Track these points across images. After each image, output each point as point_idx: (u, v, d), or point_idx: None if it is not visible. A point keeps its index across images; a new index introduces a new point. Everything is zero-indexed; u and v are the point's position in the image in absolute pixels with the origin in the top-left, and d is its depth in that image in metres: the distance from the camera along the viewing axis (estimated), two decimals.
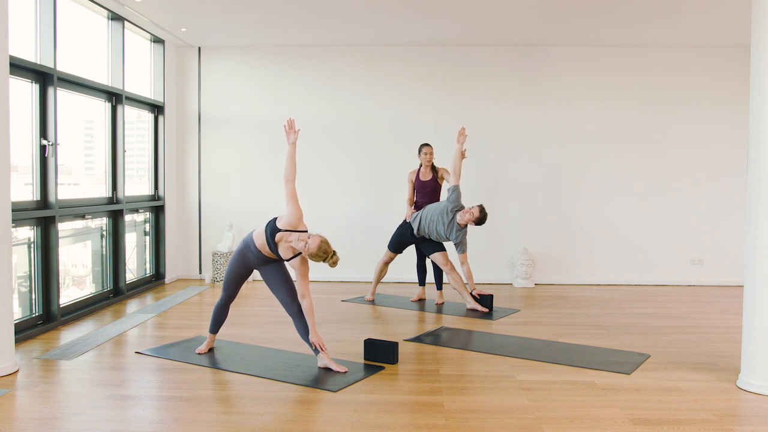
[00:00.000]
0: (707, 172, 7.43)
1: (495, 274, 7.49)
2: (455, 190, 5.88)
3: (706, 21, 6.23)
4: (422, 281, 6.53)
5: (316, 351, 4.11)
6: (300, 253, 4.03)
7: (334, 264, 3.97)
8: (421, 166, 6.34)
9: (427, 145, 6.31)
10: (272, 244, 4.06)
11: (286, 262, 4.19)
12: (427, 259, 6.43)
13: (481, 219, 5.80)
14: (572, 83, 7.45)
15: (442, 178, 6.28)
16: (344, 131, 7.54)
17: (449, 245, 6.66)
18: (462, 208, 5.91)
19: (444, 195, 6.25)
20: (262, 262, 4.21)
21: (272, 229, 4.05)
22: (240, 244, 4.29)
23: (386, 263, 6.37)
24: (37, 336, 4.93)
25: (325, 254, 3.92)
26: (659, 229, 7.47)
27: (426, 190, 6.31)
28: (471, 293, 6.00)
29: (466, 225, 5.87)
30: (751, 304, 3.80)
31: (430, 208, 6.02)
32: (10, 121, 4.15)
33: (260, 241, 4.13)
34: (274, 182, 7.33)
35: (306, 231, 4.03)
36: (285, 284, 4.20)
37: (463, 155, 5.99)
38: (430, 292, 6.68)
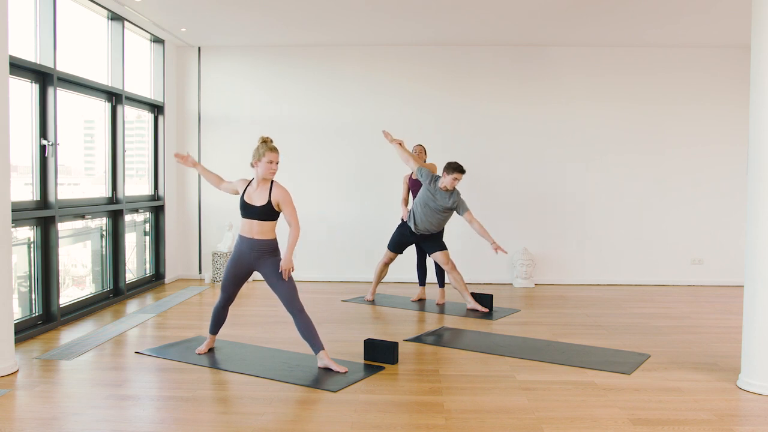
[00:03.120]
0: (707, 172, 7.43)
1: (495, 274, 7.49)
2: (420, 170, 5.90)
3: (706, 21, 6.23)
4: (422, 281, 6.53)
5: (315, 351, 4.12)
6: (271, 188, 4.21)
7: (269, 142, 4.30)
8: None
9: (418, 145, 6.42)
10: (251, 207, 4.19)
11: (281, 211, 4.20)
12: (427, 258, 6.43)
13: (455, 168, 5.71)
14: (572, 83, 7.45)
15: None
16: (344, 131, 7.54)
17: (450, 244, 6.65)
18: (436, 175, 5.91)
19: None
20: (258, 253, 4.18)
21: (241, 202, 4.25)
22: (234, 246, 4.32)
23: (386, 264, 6.37)
24: (37, 336, 4.93)
25: (270, 150, 4.23)
26: (659, 229, 7.47)
27: (419, 188, 6.33)
28: (471, 294, 6.00)
29: (454, 187, 5.83)
30: (751, 304, 3.80)
31: (417, 200, 6.02)
32: (10, 121, 4.15)
33: (245, 226, 4.22)
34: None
35: (244, 178, 4.40)
36: (285, 281, 4.19)
37: (400, 144, 5.97)
38: (430, 292, 6.68)
